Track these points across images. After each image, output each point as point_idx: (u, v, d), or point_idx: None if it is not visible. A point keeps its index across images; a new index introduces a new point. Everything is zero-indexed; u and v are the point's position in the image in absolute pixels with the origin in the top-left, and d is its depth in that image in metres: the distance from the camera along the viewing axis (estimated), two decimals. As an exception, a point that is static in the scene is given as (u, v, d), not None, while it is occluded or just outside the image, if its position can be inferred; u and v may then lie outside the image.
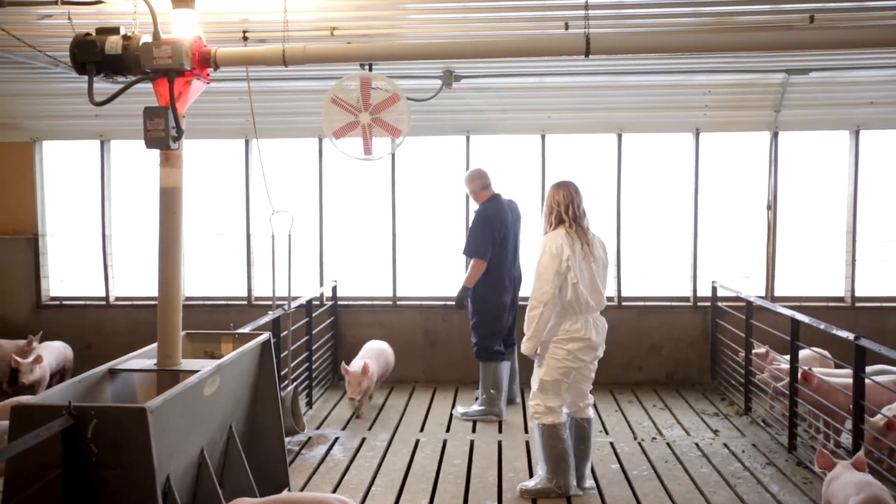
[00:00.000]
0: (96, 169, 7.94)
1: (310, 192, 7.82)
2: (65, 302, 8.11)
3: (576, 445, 4.81)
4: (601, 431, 6.12)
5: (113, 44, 3.70)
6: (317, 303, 7.55)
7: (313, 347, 6.93)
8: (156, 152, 3.66)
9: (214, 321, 7.31)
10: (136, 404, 3.11)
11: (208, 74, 3.91)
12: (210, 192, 8.00)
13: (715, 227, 7.65)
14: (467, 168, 7.54)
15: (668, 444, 5.79)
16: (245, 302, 7.89)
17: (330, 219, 7.86)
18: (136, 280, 8.08)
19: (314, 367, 6.94)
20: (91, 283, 8.11)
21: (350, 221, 7.90)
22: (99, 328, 7.92)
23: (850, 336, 4.49)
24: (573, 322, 4.63)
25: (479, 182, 6.59)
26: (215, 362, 3.85)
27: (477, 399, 6.71)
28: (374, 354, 6.69)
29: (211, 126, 7.58)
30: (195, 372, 3.69)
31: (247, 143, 7.74)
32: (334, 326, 7.71)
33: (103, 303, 8.01)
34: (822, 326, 4.95)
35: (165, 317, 3.92)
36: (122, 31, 3.77)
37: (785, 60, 6.55)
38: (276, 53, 3.91)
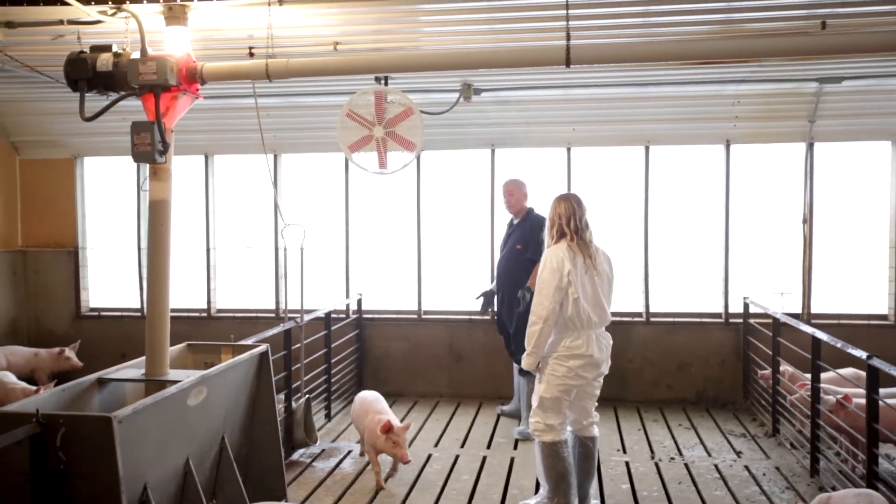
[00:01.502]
0: (133, 184, 8.18)
1: (336, 205, 7.90)
2: (103, 313, 8.36)
3: (579, 464, 4.68)
4: (619, 450, 5.97)
5: (104, 61, 3.81)
6: (342, 315, 7.62)
7: (334, 360, 6.96)
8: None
9: (245, 333, 7.39)
10: (104, 413, 3.15)
11: (197, 90, 3.97)
12: (241, 207, 8.14)
13: (748, 242, 7.37)
14: (492, 181, 7.52)
15: (685, 465, 5.60)
16: (273, 315, 7.98)
17: (356, 232, 7.91)
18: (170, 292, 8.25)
19: (334, 379, 6.96)
20: (127, 295, 8.34)
21: (376, 235, 7.93)
22: (133, 338, 8.09)
23: (863, 355, 4.27)
24: (574, 338, 4.50)
25: (522, 191, 6.44)
26: (200, 373, 3.89)
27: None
28: (385, 406, 5.64)
29: (240, 142, 7.73)
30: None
31: (275, 157, 7.87)
32: (359, 339, 7.73)
33: (138, 314, 8.21)
34: (838, 345, 4.72)
35: (153, 327, 4.00)
36: (115, 49, 3.87)
37: (816, 69, 6.30)
38: (259, 68, 3.94)
